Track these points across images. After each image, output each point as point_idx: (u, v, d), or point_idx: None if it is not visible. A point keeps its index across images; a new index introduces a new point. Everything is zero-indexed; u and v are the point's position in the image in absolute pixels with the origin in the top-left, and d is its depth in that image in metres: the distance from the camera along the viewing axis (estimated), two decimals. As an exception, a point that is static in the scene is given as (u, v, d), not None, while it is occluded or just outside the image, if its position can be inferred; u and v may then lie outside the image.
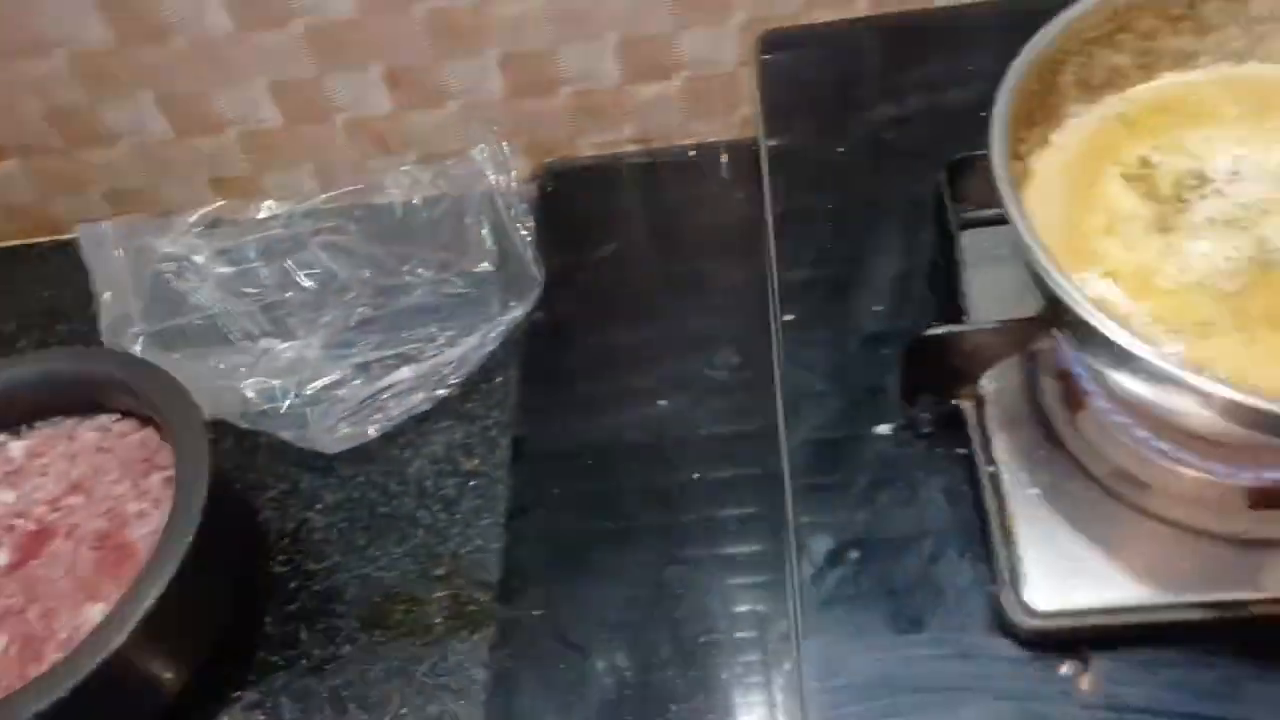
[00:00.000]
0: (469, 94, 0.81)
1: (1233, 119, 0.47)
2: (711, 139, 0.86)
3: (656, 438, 0.69)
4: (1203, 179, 0.46)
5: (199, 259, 0.81)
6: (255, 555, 0.68)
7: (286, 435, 0.72)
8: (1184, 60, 0.50)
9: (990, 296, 0.53)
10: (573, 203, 0.85)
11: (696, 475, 0.66)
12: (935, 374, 0.49)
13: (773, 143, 0.68)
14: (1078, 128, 0.49)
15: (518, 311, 0.77)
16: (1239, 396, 0.36)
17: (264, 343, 0.79)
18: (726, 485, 0.65)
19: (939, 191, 0.56)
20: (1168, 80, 0.50)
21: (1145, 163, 0.46)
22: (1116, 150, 0.47)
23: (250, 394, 0.73)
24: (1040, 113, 0.48)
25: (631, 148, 0.86)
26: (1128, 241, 0.45)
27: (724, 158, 0.85)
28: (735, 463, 0.66)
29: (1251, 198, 0.45)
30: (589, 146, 0.87)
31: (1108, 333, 0.39)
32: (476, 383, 0.76)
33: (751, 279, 0.74)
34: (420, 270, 0.82)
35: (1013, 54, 0.70)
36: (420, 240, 0.83)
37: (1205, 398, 0.37)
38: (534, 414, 0.73)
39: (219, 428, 0.72)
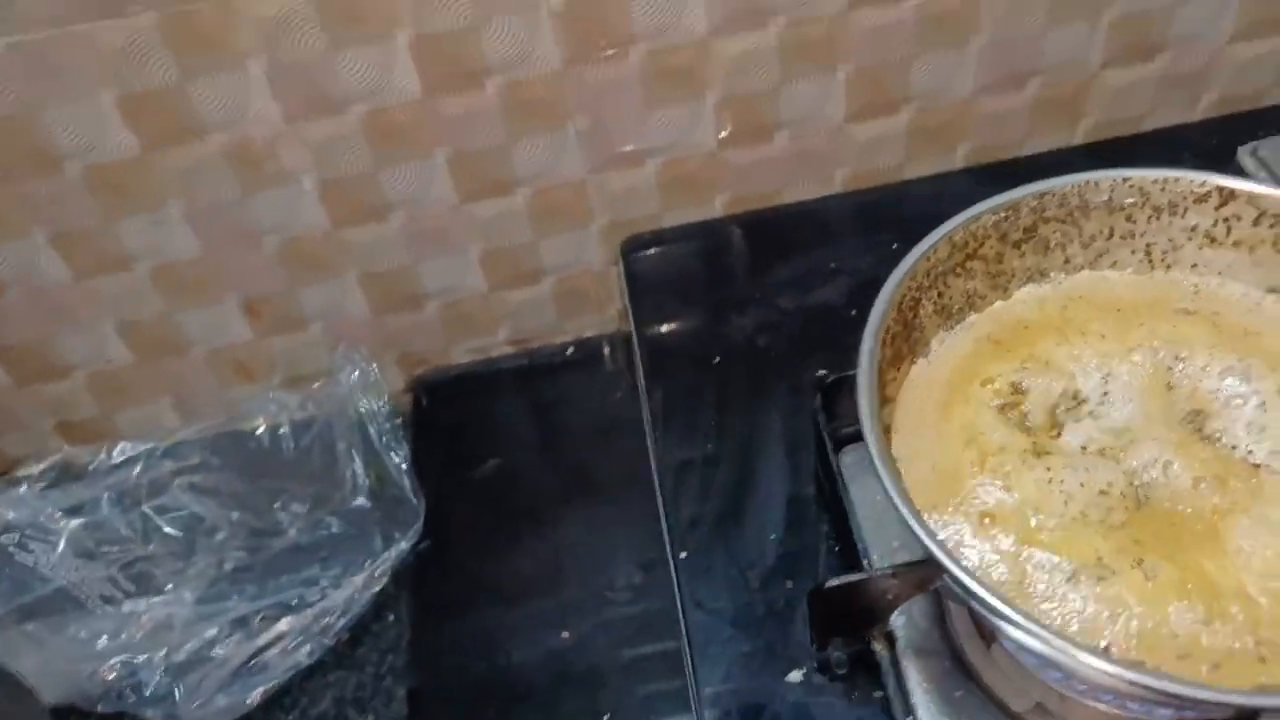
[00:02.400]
0: (331, 315, 0.79)
1: (1096, 334, 0.47)
2: (589, 334, 0.85)
3: (561, 675, 0.65)
4: (1077, 398, 0.46)
5: (46, 521, 0.75)
6: None
7: (152, 717, 0.66)
8: (1036, 275, 0.51)
9: (881, 522, 0.52)
10: (450, 415, 0.82)
11: (608, 716, 0.62)
12: (842, 619, 0.48)
13: (648, 361, 0.67)
14: (945, 355, 0.49)
15: (402, 545, 0.73)
16: (1128, 675, 0.35)
17: (127, 605, 0.73)
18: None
19: (814, 412, 0.56)
20: (1027, 293, 0.51)
21: (1016, 388, 0.47)
22: (986, 373, 0.47)
23: (109, 675, 0.67)
24: (906, 346, 0.48)
25: (508, 350, 0.85)
26: (1005, 476, 0.44)
27: (605, 350, 0.84)
28: (651, 694, 0.63)
29: (1120, 422, 0.45)
30: (463, 353, 0.85)
31: (988, 599, 0.38)
32: (366, 625, 0.72)
33: (645, 482, 0.72)
34: (294, 506, 0.78)
35: (868, 247, 0.72)
36: (290, 473, 0.79)
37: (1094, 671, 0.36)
38: (429, 657, 0.69)
39: (68, 718, 0.65)
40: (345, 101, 0.66)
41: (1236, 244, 0.47)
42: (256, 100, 0.64)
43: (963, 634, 0.49)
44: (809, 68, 0.70)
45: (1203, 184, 0.47)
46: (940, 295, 0.48)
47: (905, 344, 0.48)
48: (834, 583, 0.46)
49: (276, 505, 0.78)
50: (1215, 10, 0.71)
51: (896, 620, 0.50)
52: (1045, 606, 0.40)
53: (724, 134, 0.73)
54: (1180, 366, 0.46)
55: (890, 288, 0.45)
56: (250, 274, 0.74)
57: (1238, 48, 0.73)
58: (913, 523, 0.40)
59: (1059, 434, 0.46)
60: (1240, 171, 0.68)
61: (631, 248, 0.76)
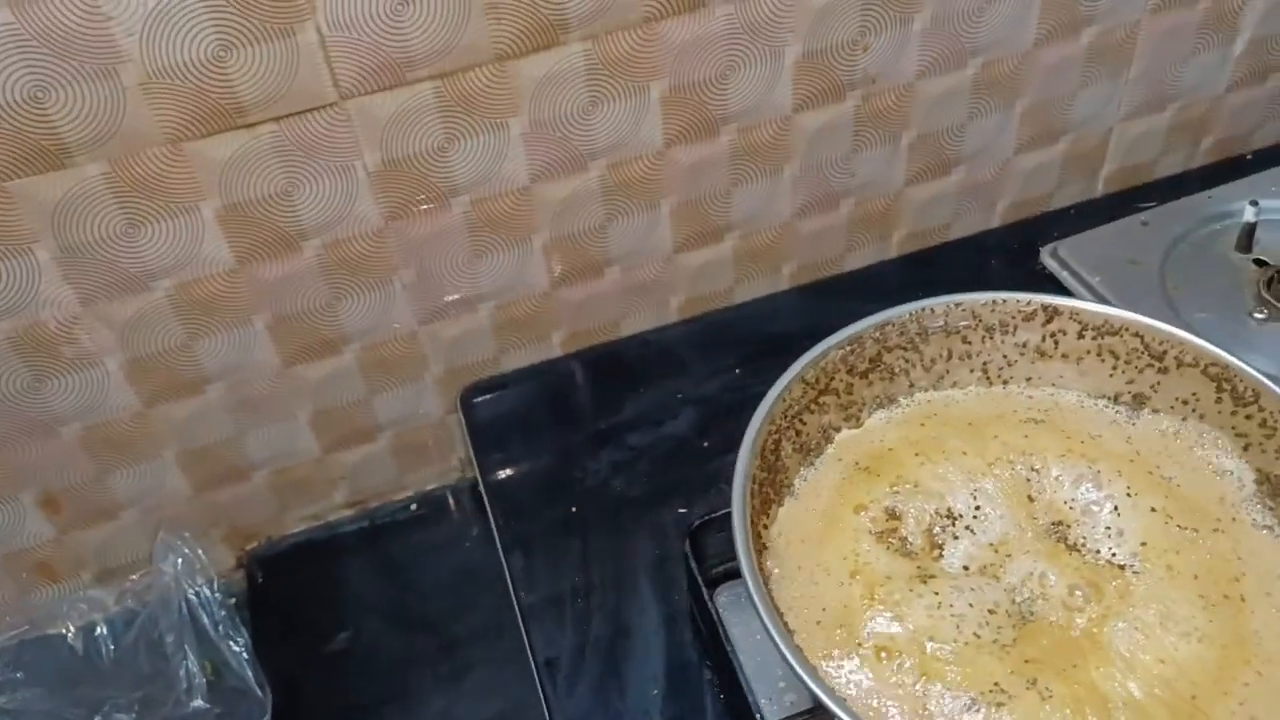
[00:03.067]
0: (146, 499, 0.72)
1: (957, 451, 0.48)
2: (431, 486, 0.81)
3: None
4: (950, 515, 0.47)
5: None
6: None
7: None
8: (885, 402, 0.52)
9: (765, 661, 0.51)
10: (290, 589, 0.76)
11: None
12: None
13: (499, 515, 0.64)
14: (812, 489, 0.49)
15: (247, 745, 0.67)
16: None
17: None
18: None
19: (685, 556, 0.54)
20: (880, 419, 0.52)
21: (891, 514, 0.47)
22: (859, 499, 0.47)
23: None
24: (772, 491, 0.47)
25: (346, 512, 0.80)
26: (894, 605, 0.44)
27: (450, 502, 0.81)
28: None
29: (995, 536, 0.46)
30: (297, 521, 0.79)
31: None
32: (210, 846, 0.64)
33: (510, 640, 0.69)
34: (117, 717, 0.70)
35: (710, 373, 0.72)
36: (111, 680, 0.72)
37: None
38: None
39: None
40: (150, 277, 0.61)
41: (1064, 356, 0.50)
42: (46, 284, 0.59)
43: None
44: (632, 205, 0.70)
45: (1029, 303, 0.49)
46: (798, 434, 0.48)
47: (771, 488, 0.47)
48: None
49: (97, 718, 0.69)
50: (999, 126, 0.76)
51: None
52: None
53: (556, 273, 0.72)
54: (1036, 478, 0.47)
55: (752, 434, 0.45)
56: (49, 463, 0.68)
57: (1022, 158, 0.79)
58: (798, 669, 0.38)
59: (940, 555, 0.46)
60: (1044, 271, 0.73)
61: (470, 394, 0.74)
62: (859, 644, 0.44)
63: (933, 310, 0.50)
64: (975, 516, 0.47)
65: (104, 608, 0.74)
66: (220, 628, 0.71)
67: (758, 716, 0.48)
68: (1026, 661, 0.42)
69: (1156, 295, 0.67)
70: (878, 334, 0.50)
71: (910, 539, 0.47)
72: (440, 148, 0.63)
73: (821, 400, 0.49)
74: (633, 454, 0.67)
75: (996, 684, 0.41)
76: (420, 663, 0.71)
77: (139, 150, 0.56)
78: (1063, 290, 0.68)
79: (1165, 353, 0.49)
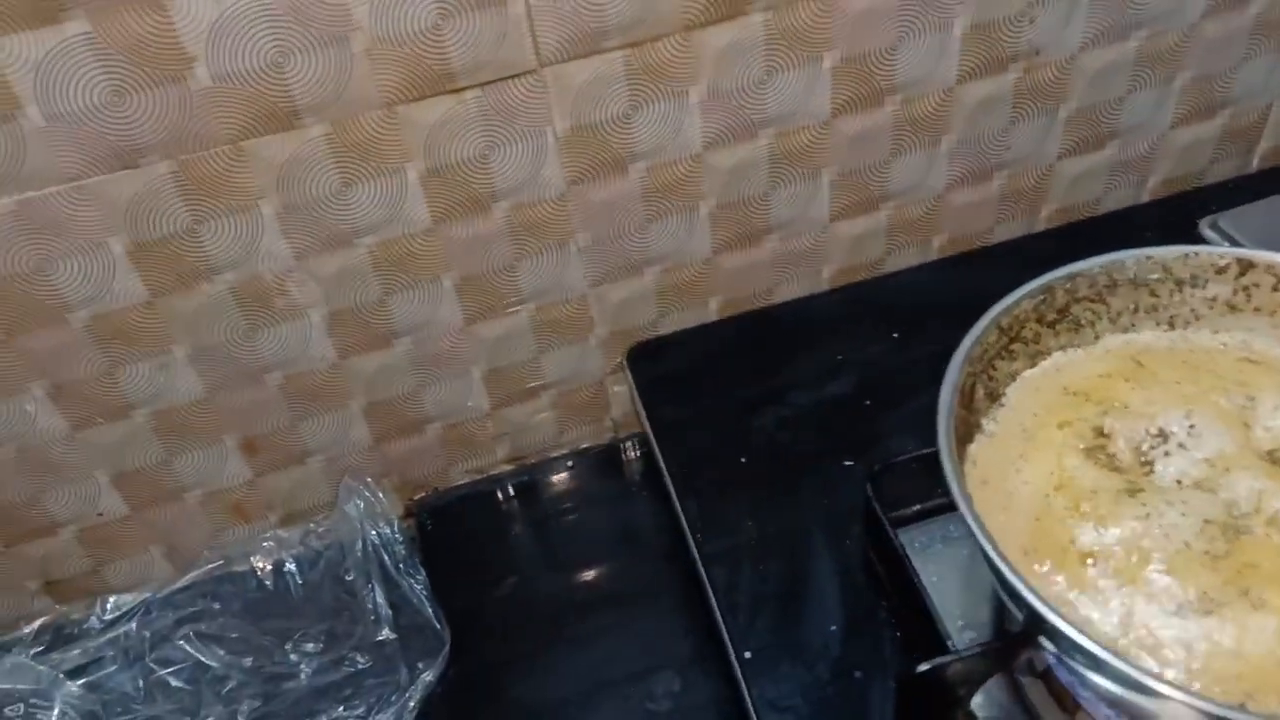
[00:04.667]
0: (332, 446, 0.77)
1: (1171, 381, 0.49)
2: (585, 444, 0.85)
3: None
4: (1163, 434, 0.48)
5: (47, 686, 0.71)
6: None
7: None
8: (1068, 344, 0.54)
9: (951, 600, 0.54)
10: (458, 537, 0.81)
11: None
12: (928, 704, 0.48)
13: (672, 465, 0.67)
14: (1004, 428, 0.50)
15: (429, 675, 0.71)
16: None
17: (137, 771, 0.69)
18: None
19: (867, 500, 0.57)
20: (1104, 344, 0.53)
21: (1099, 431, 0.48)
22: (1065, 418, 0.49)
23: None
24: (965, 430, 0.50)
25: (506, 468, 0.84)
26: (1100, 518, 0.45)
27: (605, 462, 0.84)
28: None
29: (1213, 451, 0.47)
30: (461, 475, 0.84)
31: (1100, 655, 0.39)
32: (396, 766, 0.69)
33: (669, 585, 0.72)
34: (307, 646, 0.75)
35: (868, 339, 0.75)
36: (298, 612, 0.77)
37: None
38: (470, 795, 0.66)
39: None
40: (355, 234, 0.66)
41: (1257, 309, 0.51)
42: (267, 238, 0.64)
43: (1042, 708, 0.50)
44: (795, 174, 0.73)
45: (1222, 256, 0.51)
46: (990, 378, 0.51)
47: (964, 429, 0.50)
48: (925, 666, 0.46)
49: (288, 647, 0.75)
50: (1158, 99, 0.77)
51: (975, 700, 0.51)
52: (1147, 651, 0.41)
53: (719, 239, 0.75)
54: (1252, 406, 0.48)
55: (954, 373, 0.47)
56: (251, 411, 0.73)
57: (1178, 133, 0.80)
58: (1015, 582, 0.41)
59: (1150, 470, 0.48)
60: (1204, 242, 0.74)
61: (636, 355, 0.77)
62: (1063, 558, 0.45)
63: (1124, 263, 0.52)
64: (1190, 434, 0.48)
65: (290, 547, 0.80)
66: (401, 566, 0.76)
67: (949, 642, 0.50)
68: (1239, 572, 0.43)
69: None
70: (1069, 284, 0.52)
71: (1119, 455, 0.48)
72: (625, 115, 0.66)
73: (1012, 348, 0.52)
74: (796, 411, 0.70)
75: (1205, 592, 0.42)
76: (584, 606, 0.75)
77: (359, 113, 0.61)
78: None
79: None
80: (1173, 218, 0.79)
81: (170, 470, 0.74)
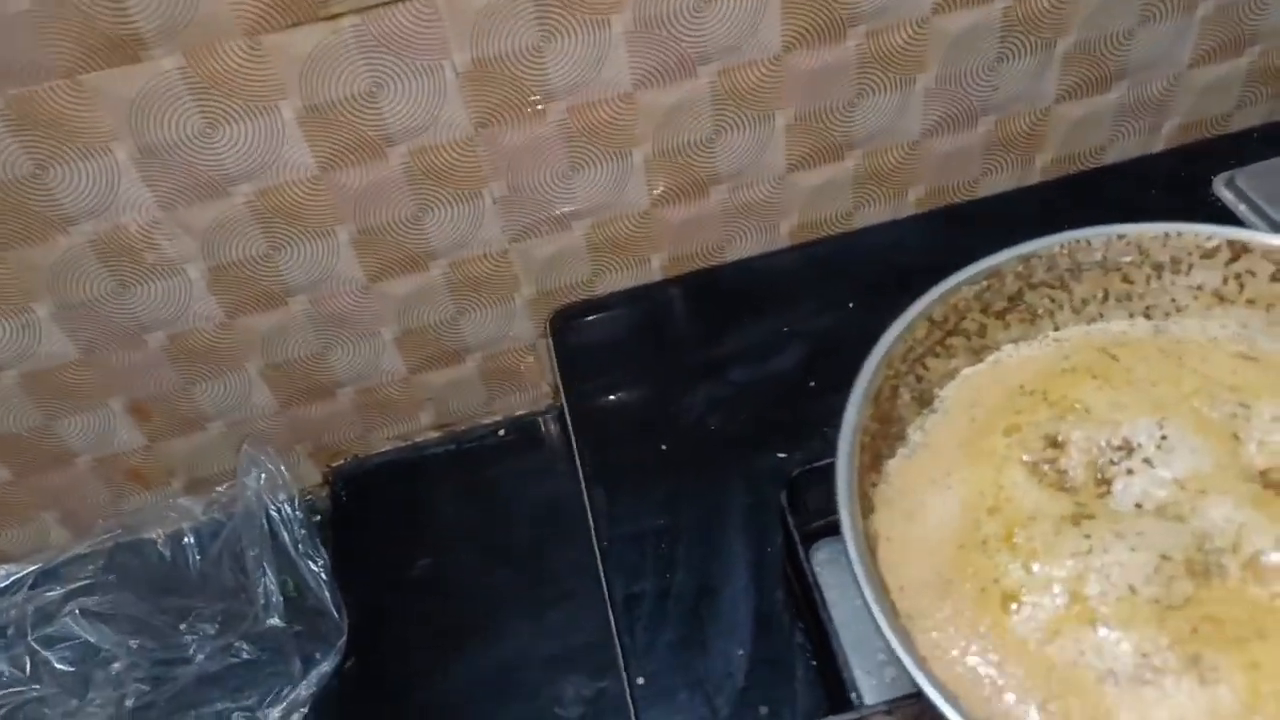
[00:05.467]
0: (232, 411, 0.71)
1: (1145, 381, 0.40)
2: (521, 412, 0.77)
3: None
4: (1127, 447, 0.39)
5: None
6: None
7: None
8: (1021, 337, 0.45)
9: (864, 631, 0.46)
10: (374, 511, 0.74)
11: None
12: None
13: (584, 447, 0.60)
14: (935, 437, 0.42)
15: (324, 666, 0.65)
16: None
17: (13, 758, 0.64)
18: None
19: (782, 511, 0.49)
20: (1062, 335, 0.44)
21: (1051, 441, 0.40)
22: (1013, 421, 0.40)
23: None
24: (884, 444, 0.41)
25: (433, 434, 0.77)
26: (1031, 552, 0.37)
27: (542, 430, 0.77)
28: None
29: (1185, 470, 0.38)
30: (383, 441, 0.77)
31: None
32: (285, 765, 0.63)
33: (591, 576, 0.65)
34: (202, 628, 0.69)
35: (822, 306, 0.66)
36: (196, 589, 0.71)
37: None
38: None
39: None
40: (229, 181, 0.58)
41: (1250, 302, 0.42)
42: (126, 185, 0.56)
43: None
44: (744, 117, 0.64)
45: (1210, 237, 0.41)
46: (919, 380, 0.42)
47: (883, 441, 0.41)
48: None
49: (182, 627, 0.69)
50: (1176, 32, 0.66)
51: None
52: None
53: (657, 191, 0.66)
54: (1244, 414, 0.39)
55: (865, 379, 0.39)
56: (135, 373, 0.66)
57: (1198, 71, 0.69)
58: (900, 652, 0.33)
59: (1107, 491, 0.39)
60: (1216, 203, 0.64)
61: (561, 317, 0.69)
62: (984, 593, 0.37)
63: (1089, 243, 0.42)
64: (1159, 448, 0.39)
65: (192, 517, 0.74)
66: (300, 546, 0.69)
67: (853, 695, 0.43)
68: (1193, 629, 0.35)
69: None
70: (1021, 268, 0.43)
71: (1070, 472, 0.39)
72: (535, 46, 0.57)
73: (949, 342, 0.43)
74: (732, 390, 0.62)
75: (1144, 655, 0.34)
76: (500, 595, 0.68)
77: (215, 42, 0.53)
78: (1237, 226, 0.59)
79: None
80: (1186, 171, 0.68)
81: (52, 434, 0.68)
